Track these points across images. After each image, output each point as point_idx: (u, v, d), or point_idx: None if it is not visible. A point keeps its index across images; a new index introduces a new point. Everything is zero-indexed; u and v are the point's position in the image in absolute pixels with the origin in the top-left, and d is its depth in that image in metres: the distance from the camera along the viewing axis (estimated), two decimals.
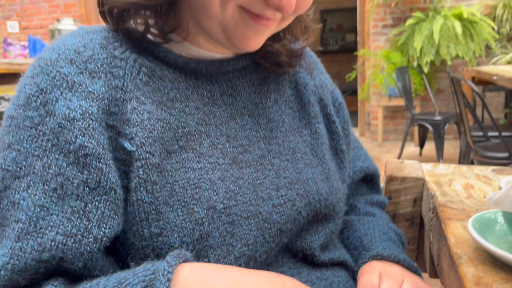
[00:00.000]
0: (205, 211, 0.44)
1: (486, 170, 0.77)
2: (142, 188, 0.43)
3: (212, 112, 0.50)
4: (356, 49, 4.91)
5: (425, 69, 3.96)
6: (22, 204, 0.39)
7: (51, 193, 0.39)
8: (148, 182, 0.43)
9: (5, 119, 0.44)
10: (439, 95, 4.47)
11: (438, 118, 3.45)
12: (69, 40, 0.46)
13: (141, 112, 0.44)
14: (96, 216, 0.40)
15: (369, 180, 0.73)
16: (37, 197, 0.39)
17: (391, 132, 4.72)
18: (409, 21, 4.05)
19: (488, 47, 4.16)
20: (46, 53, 0.45)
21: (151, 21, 0.47)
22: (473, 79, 3.34)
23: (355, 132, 5.07)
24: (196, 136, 0.48)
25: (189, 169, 0.45)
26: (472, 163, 2.55)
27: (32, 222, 0.38)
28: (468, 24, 3.87)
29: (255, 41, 0.47)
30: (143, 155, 0.43)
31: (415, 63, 4.03)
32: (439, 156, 3.44)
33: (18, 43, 4.92)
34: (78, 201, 0.40)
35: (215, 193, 0.45)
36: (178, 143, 0.46)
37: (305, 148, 0.57)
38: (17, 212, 0.39)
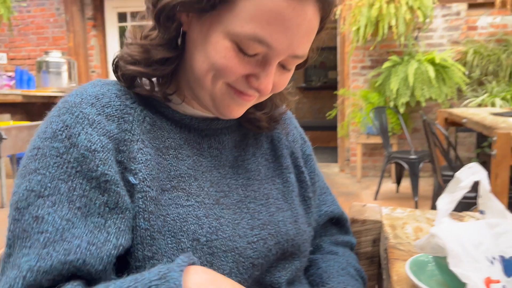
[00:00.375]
0: (190, 242, 0.52)
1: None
2: (140, 216, 0.51)
3: (200, 161, 0.60)
4: (337, 86, 5.11)
5: (401, 110, 4.13)
6: (47, 218, 0.46)
7: (75, 211, 0.47)
8: (145, 211, 0.51)
9: (31, 150, 0.52)
10: (415, 134, 4.65)
11: (413, 156, 3.59)
12: (90, 89, 0.56)
13: (144, 153, 0.54)
14: (114, 230, 0.48)
15: (337, 222, 0.81)
16: (63, 212, 0.47)
17: (369, 168, 4.85)
18: (386, 64, 4.26)
19: (459, 90, 4.38)
20: (71, 97, 0.54)
21: (155, 85, 0.57)
22: (446, 120, 3.52)
23: (335, 168, 5.19)
24: (186, 178, 0.56)
25: (179, 206, 0.54)
26: None
27: (58, 233, 0.46)
28: (441, 69, 4.09)
29: (238, 111, 0.58)
30: (143, 189, 0.52)
31: (391, 104, 4.21)
32: (415, 193, 3.56)
33: (4, 73, 4.96)
34: (99, 218, 0.48)
35: (200, 227, 0.54)
36: (171, 183, 0.55)
37: (277, 195, 0.66)
38: (41, 225, 0.46)
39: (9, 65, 5.35)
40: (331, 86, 7.79)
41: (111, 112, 0.54)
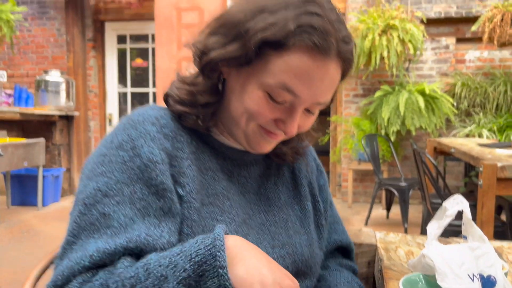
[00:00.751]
0: None
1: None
2: (184, 223, 0.59)
3: (230, 185, 0.69)
4: (330, 112, 5.24)
5: (392, 138, 4.26)
6: (113, 216, 0.54)
7: (136, 211, 0.55)
8: (189, 219, 0.59)
9: (97, 156, 0.60)
10: (405, 162, 4.77)
11: (403, 184, 3.68)
12: (150, 111, 0.65)
13: (192, 169, 0.62)
14: (167, 229, 0.56)
15: (344, 251, 0.88)
16: (126, 211, 0.55)
17: (360, 194, 4.93)
18: (378, 93, 4.40)
19: (448, 120, 4.53)
20: (134, 116, 0.63)
21: (199, 120, 0.67)
22: (435, 149, 3.63)
23: None
24: (221, 197, 0.65)
25: (214, 219, 0.62)
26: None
27: (122, 227, 0.54)
28: (430, 99, 4.24)
29: (267, 147, 0.67)
30: (189, 200, 0.60)
31: (383, 131, 4.34)
32: (404, 220, 3.63)
33: (3, 91, 5.01)
34: (155, 219, 0.56)
35: None
36: (209, 199, 0.64)
37: (295, 220, 0.75)
38: (108, 220, 0.54)
39: (7, 83, 5.41)
40: (324, 112, 7.93)
41: (168, 132, 0.63)
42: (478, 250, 0.53)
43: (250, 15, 0.59)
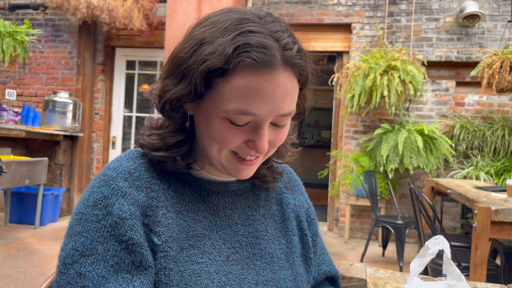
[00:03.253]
0: None
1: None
2: (161, 272, 0.61)
3: (215, 220, 0.70)
4: (330, 145, 5.30)
5: (390, 175, 4.30)
6: (88, 275, 0.58)
7: (109, 268, 0.59)
8: (166, 268, 0.62)
9: (76, 213, 0.63)
10: (403, 200, 4.79)
11: (400, 222, 3.69)
12: (125, 163, 0.67)
13: (167, 217, 0.65)
14: (138, 284, 0.59)
15: (332, 280, 0.90)
16: (99, 270, 0.58)
17: (357, 230, 4.93)
18: (378, 131, 4.48)
19: (446, 161, 4.59)
20: (109, 171, 0.66)
21: (178, 159, 0.70)
22: (432, 188, 3.67)
23: (323, 226, 5.26)
24: (201, 238, 0.67)
25: (194, 262, 0.64)
26: (426, 269, 2.75)
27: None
28: (429, 140, 4.31)
29: (247, 173, 0.68)
30: (165, 249, 0.62)
31: (381, 169, 4.38)
32: (399, 258, 3.63)
33: (11, 109, 5.10)
34: (128, 274, 0.59)
35: (211, 281, 0.64)
36: (188, 242, 0.66)
37: (281, 254, 0.75)
38: (83, 280, 0.58)
39: (15, 101, 5.51)
40: (324, 145, 8.03)
41: (140, 184, 0.64)
42: (455, 287, 0.58)
43: (191, 51, 0.61)
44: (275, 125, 0.65)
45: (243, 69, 0.59)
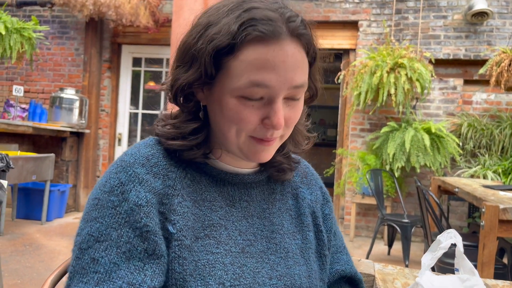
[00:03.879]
0: (217, 285, 0.62)
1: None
2: (175, 261, 0.61)
3: (231, 212, 0.69)
4: (336, 144, 5.29)
5: (397, 174, 4.27)
6: (101, 261, 0.58)
7: (121, 255, 0.58)
8: (180, 257, 0.61)
9: (93, 199, 0.63)
10: (409, 198, 4.77)
11: (406, 220, 3.67)
12: (142, 149, 0.66)
13: (183, 206, 0.64)
14: (150, 273, 0.58)
15: (350, 282, 0.85)
16: (112, 256, 0.58)
17: (363, 228, 4.92)
18: (384, 129, 4.46)
19: (453, 159, 4.56)
20: (127, 157, 0.65)
21: (194, 148, 0.69)
22: (439, 187, 3.64)
23: None
24: (217, 227, 0.66)
25: (209, 253, 0.63)
26: (433, 267, 2.74)
27: (107, 274, 0.57)
28: (436, 138, 4.28)
29: (265, 155, 0.67)
30: (180, 237, 0.62)
31: (387, 167, 4.36)
32: (405, 257, 3.61)
33: (19, 105, 5.13)
34: (139, 262, 0.59)
35: (225, 273, 0.63)
36: (204, 232, 0.65)
37: (296, 250, 0.74)
38: (96, 266, 0.57)
39: (22, 97, 5.54)
40: (329, 144, 8.00)
41: (158, 171, 0.64)
42: (468, 282, 0.57)
43: (198, 35, 0.62)
44: (290, 99, 0.65)
45: (251, 42, 0.59)
